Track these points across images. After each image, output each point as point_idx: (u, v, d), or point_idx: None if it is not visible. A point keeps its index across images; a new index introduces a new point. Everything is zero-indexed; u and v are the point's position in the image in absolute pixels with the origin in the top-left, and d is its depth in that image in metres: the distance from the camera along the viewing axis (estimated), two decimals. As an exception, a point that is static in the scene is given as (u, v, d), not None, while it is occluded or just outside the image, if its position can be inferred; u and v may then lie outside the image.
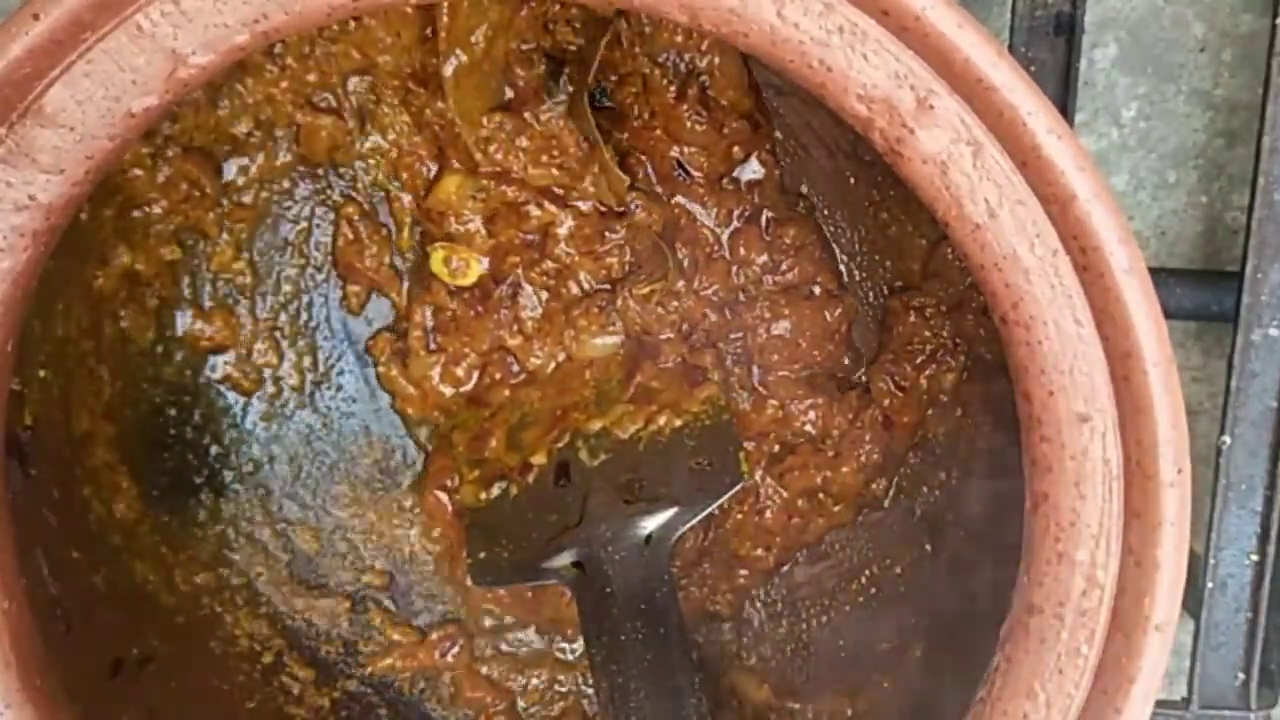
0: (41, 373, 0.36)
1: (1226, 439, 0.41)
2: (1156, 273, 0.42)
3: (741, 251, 0.43)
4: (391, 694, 0.45)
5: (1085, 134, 0.46)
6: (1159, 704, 0.43)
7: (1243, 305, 0.40)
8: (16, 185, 0.28)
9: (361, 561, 0.45)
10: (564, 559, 0.40)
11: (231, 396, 0.44)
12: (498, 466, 0.43)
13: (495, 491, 0.43)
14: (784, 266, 0.43)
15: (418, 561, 0.45)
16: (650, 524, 0.40)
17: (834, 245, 0.43)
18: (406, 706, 0.45)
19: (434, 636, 0.45)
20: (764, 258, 0.43)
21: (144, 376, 0.42)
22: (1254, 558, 0.42)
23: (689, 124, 0.42)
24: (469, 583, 0.43)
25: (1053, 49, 0.40)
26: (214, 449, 0.43)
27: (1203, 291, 0.43)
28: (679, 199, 0.43)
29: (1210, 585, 0.42)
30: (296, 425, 0.45)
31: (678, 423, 0.42)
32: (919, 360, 0.42)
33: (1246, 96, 0.45)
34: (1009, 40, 0.40)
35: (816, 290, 0.43)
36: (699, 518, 0.40)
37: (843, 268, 0.44)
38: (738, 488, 0.41)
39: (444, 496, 0.45)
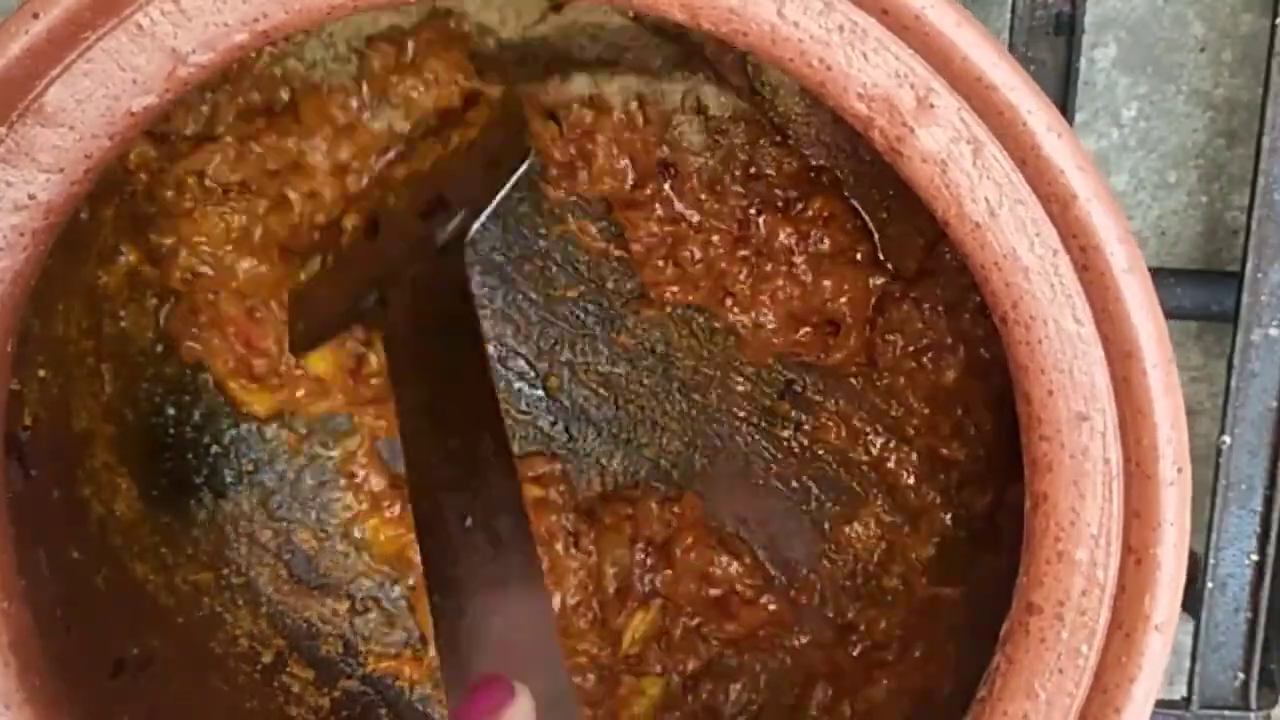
0: (41, 373, 0.36)
1: (1226, 439, 0.41)
2: (1156, 273, 0.41)
3: (768, 236, 0.42)
4: (391, 694, 0.45)
5: (1085, 134, 0.46)
6: (1159, 704, 0.43)
7: (1243, 305, 0.40)
8: (16, 185, 0.28)
9: (361, 561, 0.45)
10: (370, 299, 0.39)
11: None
12: (307, 240, 0.42)
13: (315, 268, 0.42)
14: (814, 236, 0.42)
15: (417, 561, 0.45)
16: (443, 233, 0.38)
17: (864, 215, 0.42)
18: (406, 706, 0.45)
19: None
20: (789, 229, 0.42)
21: (144, 376, 0.42)
22: (1254, 558, 0.42)
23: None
24: (292, 356, 0.42)
25: (1053, 49, 0.40)
26: (214, 449, 0.43)
27: (1203, 291, 0.43)
28: (679, 207, 0.42)
29: (1210, 585, 0.42)
30: (296, 424, 0.45)
31: (473, 134, 0.41)
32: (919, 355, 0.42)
33: (1246, 96, 0.45)
34: (1009, 40, 0.40)
35: (859, 256, 0.42)
36: (489, 211, 0.39)
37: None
38: (524, 167, 0.39)
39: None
